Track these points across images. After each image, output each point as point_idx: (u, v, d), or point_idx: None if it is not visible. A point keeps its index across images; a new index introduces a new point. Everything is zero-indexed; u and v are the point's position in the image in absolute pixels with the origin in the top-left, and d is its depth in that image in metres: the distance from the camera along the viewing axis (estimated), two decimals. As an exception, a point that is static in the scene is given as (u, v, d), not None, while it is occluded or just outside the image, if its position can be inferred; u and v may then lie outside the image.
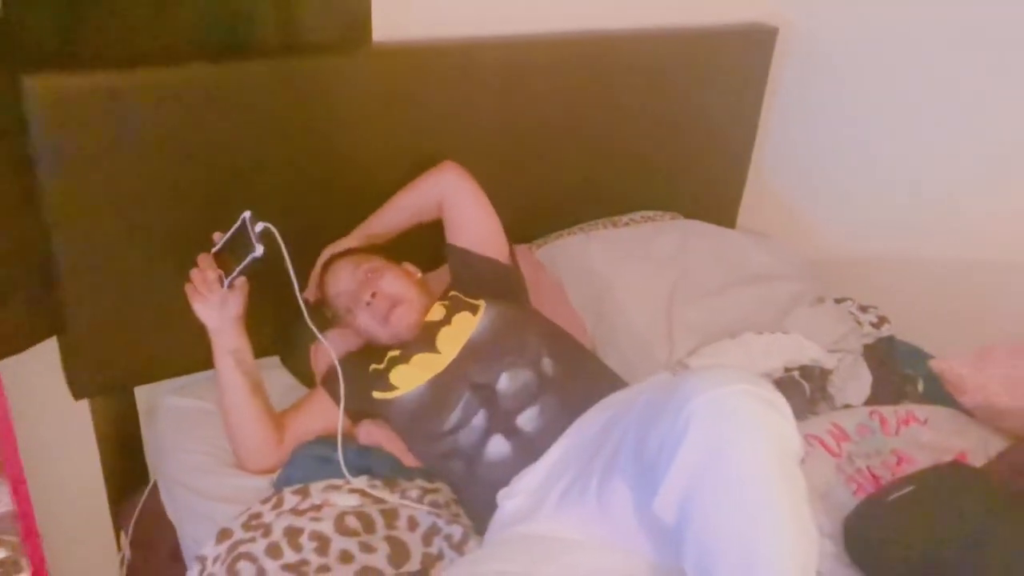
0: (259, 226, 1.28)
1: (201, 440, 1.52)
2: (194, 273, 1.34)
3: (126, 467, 1.71)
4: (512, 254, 1.64)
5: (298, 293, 1.37)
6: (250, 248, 1.28)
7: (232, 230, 1.32)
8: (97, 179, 1.39)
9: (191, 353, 1.54)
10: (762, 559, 0.93)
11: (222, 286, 1.33)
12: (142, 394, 1.69)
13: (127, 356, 1.56)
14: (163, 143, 1.43)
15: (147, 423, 1.68)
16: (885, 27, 1.93)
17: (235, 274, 1.32)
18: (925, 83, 1.88)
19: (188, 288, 1.35)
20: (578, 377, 1.43)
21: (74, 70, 1.34)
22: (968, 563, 1.13)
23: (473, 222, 1.60)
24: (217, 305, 1.35)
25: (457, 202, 1.60)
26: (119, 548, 1.68)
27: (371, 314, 1.47)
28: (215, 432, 1.50)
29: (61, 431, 1.65)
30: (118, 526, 1.70)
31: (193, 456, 1.49)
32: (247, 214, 1.29)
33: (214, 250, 1.35)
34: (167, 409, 1.61)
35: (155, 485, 1.59)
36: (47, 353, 1.53)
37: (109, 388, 1.62)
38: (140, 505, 1.61)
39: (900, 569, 1.19)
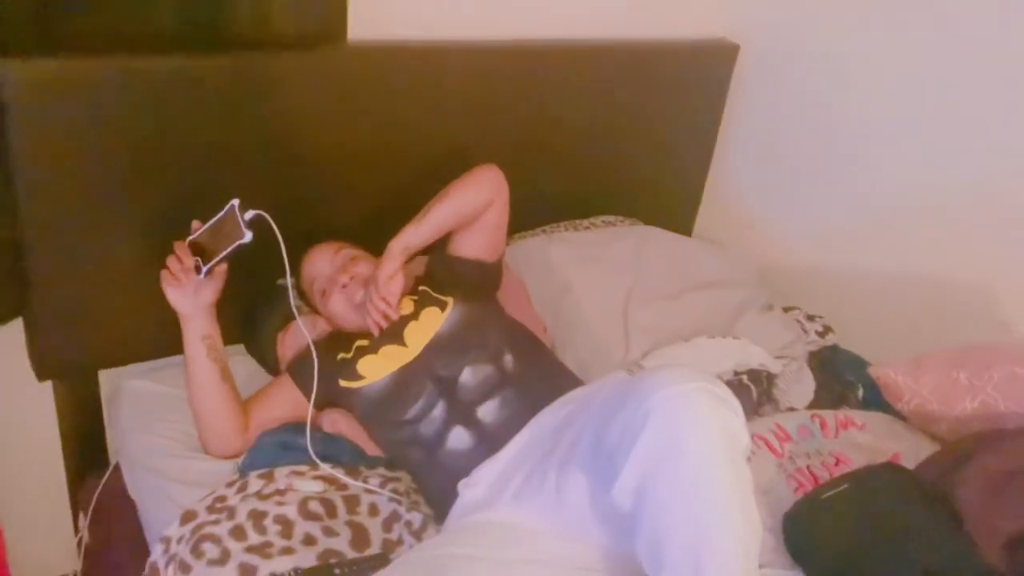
0: (250, 213, 1.31)
1: (166, 424, 1.54)
2: (170, 260, 1.36)
3: (86, 450, 1.72)
4: (503, 252, 1.67)
5: (289, 279, 1.40)
6: (236, 235, 1.31)
7: (217, 217, 1.34)
8: (69, 163, 1.41)
9: (157, 338, 1.57)
10: (710, 543, 1.00)
11: (198, 274, 1.36)
12: (105, 378, 1.70)
13: (93, 339, 1.57)
14: (137, 131, 1.45)
15: (110, 406, 1.69)
16: (842, 48, 2.02)
17: (217, 260, 1.34)
18: (877, 103, 1.97)
19: (163, 274, 1.37)
20: (537, 373, 1.49)
21: (51, 56, 1.35)
22: (896, 557, 1.22)
23: (499, 229, 1.61)
24: (191, 292, 1.38)
25: (498, 209, 1.58)
26: (77, 531, 1.69)
27: (346, 297, 1.51)
28: (180, 416, 1.53)
29: (23, 412, 1.65)
30: (77, 508, 1.70)
31: (158, 439, 1.51)
32: (235, 201, 1.32)
33: (191, 238, 1.37)
34: (132, 392, 1.62)
35: (116, 468, 1.61)
36: (12, 334, 1.54)
37: (73, 371, 1.63)
38: (100, 488, 1.62)
39: (835, 562, 1.26)
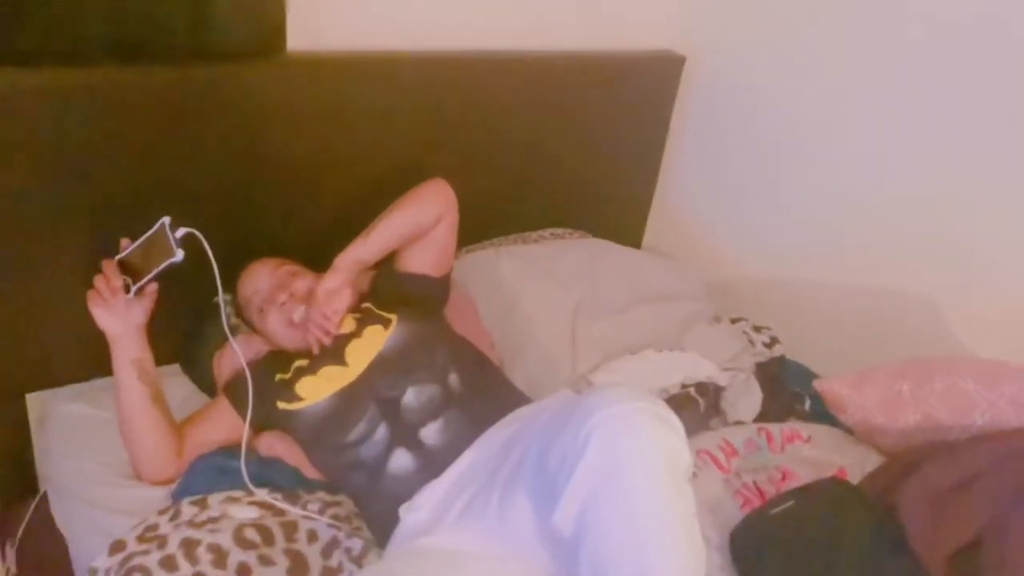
0: (181, 231, 1.27)
1: (96, 449, 1.48)
2: (98, 279, 1.31)
3: (13, 477, 1.64)
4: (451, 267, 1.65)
5: (221, 297, 1.36)
6: (167, 253, 1.27)
7: (147, 235, 1.30)
8: (-5, 178, 1.35)
9: (88, 359, 1.53)
10: (653, 568, 0.98)
11: (127, 293, 1.31)
12: (34, 401, 1.63)
13: (19, 360, 1.52)
14: (70, 145, 1.40)
15: (38, 431, 1.62)
16: (789, 61, 2.03)
17: (147, 279, 1.30)
18: (824, 116, 1.99)
19: (90, 294, 1.32)
20: (483, 393, 1.46)
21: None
22: (841, 573, 1.21)
23: (448, 244, 1.58)
24: (120, 312, 1.33)
25: (448, 224, 1.56)
26: (3, 560, 1.62)
27: (283, 315, 1.46)
28: (111, 441, 1.47)
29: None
30: (3, 538, 1.63)
31: (88, 465, 1.45)
32: (166, 219, 1.28)
33: (120, 256, 1.33)
34: (61, 416, 1.56)
35: (44, 496, 1.54)
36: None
37: (-1, 394, 1.57)
38: (28, 517, 1.55)
39: (781, 579, 1.26)
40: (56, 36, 1.37)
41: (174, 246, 1.27)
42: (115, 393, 1.40)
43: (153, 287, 1.34)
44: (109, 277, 1.31)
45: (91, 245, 1.41)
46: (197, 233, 1.29)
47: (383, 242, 1.47)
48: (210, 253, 1.31)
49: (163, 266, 1.29)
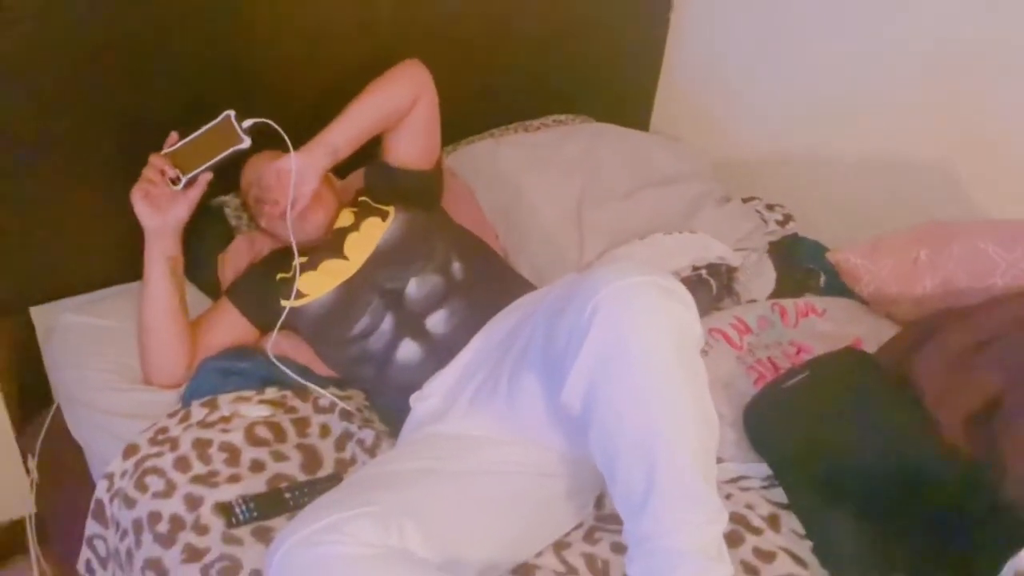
0: (249, 121, 1.28)
1: (102, 357, 1.47)
2: (149, 170, 1.28)
3: (28, 389, 1.65)
4: (440, 157, 1.60)
5: (294, 169, 1.33)
6: (231, 142, 1.28)
7: (204, 128, 1.30)
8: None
9: (89, 270, 1.53)
10: (662, 441, 0.96)
11: (176, 185, 1.29)
12: (38, 314, 1.62)
13: (19, 274, 1.51)
14: (69, 40, 1.37)
15: (46, 343, 1.62)
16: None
17: (205, 167, 1.29)
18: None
19: (140, 185, 1.29)
20: (487, 280, 1.43)
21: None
22: (856, 441, 1.20)
23: (430, 129, 1.53)
24: (165, 206, 1.30)
25: (426, 105, 1.50)
26: (27, 472, 1.64)
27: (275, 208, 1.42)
28: (116, 349, 1.47)
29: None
30: (24, 450, 1.65)
31: (95, 374, 1.45)
32: (231, 112, 1.29)
33: (167, 151, 1.31)
34: (66, 328, 1.55)
35: (59, 406, 1.55)
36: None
37: (3, 309, 1.56)
38: (45, 427, 1.56)
39: (796, 451, 1.25)
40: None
41: (241, 134, 1.28)
42: (142, 293, 1.37)
43: (207, 177, 1.31)
44: (164, 168, 1.28)
45: (92, 146, 1.39)
46: (271, 122, 1.28)
47: (355, 127, 1.41)
48: (288, 140, 1.31)
49: (226, 154, 1.28)
